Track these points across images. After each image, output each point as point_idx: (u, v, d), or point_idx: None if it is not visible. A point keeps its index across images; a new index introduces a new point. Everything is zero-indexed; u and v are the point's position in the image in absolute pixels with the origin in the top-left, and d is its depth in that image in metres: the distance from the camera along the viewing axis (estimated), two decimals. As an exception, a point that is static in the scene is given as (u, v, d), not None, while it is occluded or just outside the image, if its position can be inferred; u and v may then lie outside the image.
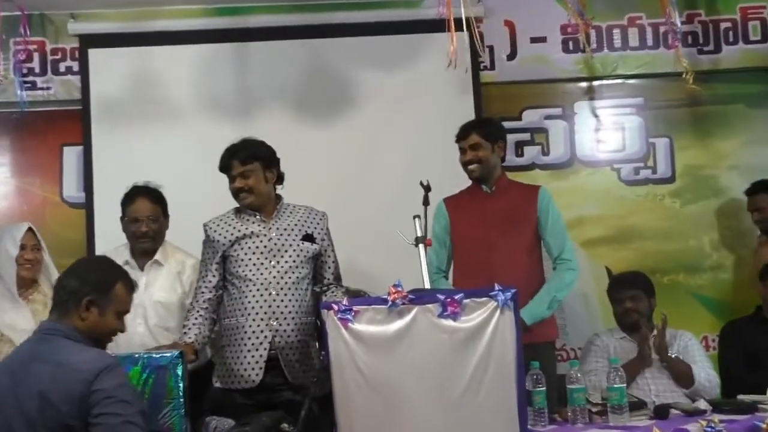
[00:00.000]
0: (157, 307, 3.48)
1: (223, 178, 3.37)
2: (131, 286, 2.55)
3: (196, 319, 3.23)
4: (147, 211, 3.52)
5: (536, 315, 3.35)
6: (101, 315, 2.47)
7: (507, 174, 3.65)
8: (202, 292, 3.29)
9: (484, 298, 2.75)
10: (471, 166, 3.48)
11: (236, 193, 3.31)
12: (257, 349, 3.18)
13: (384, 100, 4.51)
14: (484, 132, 3.51)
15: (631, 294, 3.71)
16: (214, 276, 3.29)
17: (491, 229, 3.45)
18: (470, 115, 4.33)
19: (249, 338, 3.18)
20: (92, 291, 2.46)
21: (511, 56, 4.62)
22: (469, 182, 3.60)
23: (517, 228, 3.46)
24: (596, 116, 4.68)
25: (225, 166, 3.32)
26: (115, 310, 2.50)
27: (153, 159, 4.30)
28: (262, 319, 3.19)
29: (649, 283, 3.79)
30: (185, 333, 3.20)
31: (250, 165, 3.30)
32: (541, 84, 4.64)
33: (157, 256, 3.54)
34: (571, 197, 4.53)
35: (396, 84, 4.49)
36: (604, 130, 4.69)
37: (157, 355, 2.66)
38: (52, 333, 2.43)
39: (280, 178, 3.39)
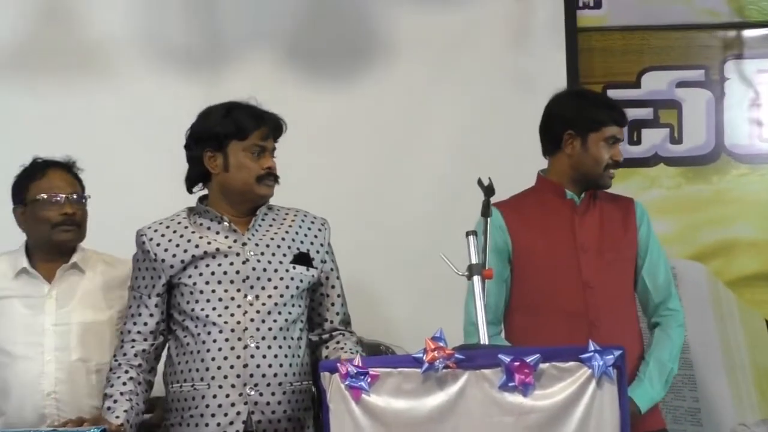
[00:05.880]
0: (80, 331, 3.48)
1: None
2: None
3: (124, 384, 3.22)
4: (67, 186, 3.53)
5: (653, 398, 3.42)
6: None
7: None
8: (133, 341, 3.29)
9: (571, 363, 2.75)
10: (613, 170, 3.53)
11: (262, 178, 3.28)
12: (225, 432, 3.27)
13: (426, 52, 4.51)
14: None
15: None
16: (152, 315, 3.30)
17: (586, 260, 3.48)
18: (560, 77, 4.34)
19: (213, 415, 3.18)
20: None
21: (628, -12, 4.68)
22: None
23: (618, 257, 3.50)
24: (758, 84, 4.68)
25: (251, 128, 3.27)
26: None
27: (63, 127, 4.34)
28: (232, 386, 3.18)
29: None
30: (109, 409, 3.18)
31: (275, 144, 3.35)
32: (672, 32, 4.66)
33: (75, 259, 3.56)
34: (715, 210, 4.52)
35: (446, 28, 4.50)
36: (772, 107, 4.71)
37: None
38: None
39: None
